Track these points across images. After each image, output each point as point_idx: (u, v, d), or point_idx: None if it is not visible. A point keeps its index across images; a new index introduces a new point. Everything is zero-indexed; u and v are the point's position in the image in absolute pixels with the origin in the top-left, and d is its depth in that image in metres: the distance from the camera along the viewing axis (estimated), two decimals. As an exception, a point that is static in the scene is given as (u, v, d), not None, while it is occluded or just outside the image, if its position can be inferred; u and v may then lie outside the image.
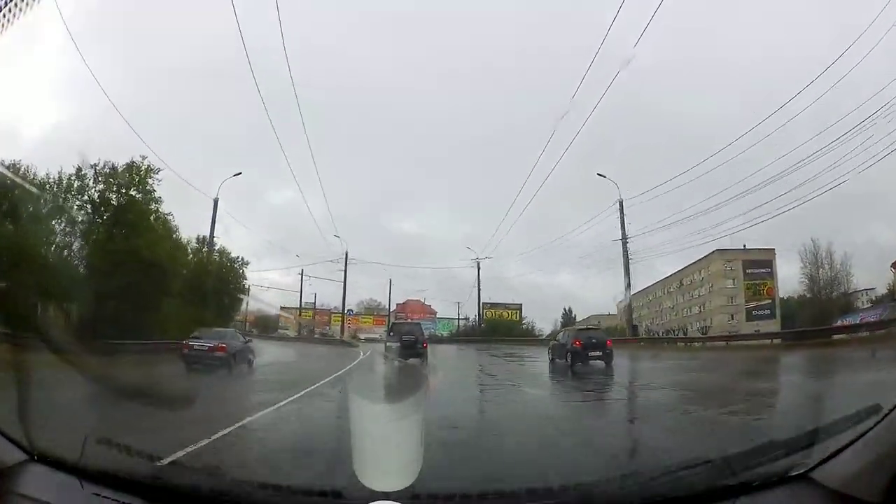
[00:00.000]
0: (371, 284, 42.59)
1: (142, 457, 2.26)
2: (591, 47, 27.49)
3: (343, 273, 34.58)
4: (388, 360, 17.13)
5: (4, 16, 2.46)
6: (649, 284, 39.84)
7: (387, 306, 41.10)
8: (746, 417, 6.09)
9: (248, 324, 39.63)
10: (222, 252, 26.83)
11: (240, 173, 23.66)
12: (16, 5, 2.54)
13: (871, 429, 1.48)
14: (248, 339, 14.61)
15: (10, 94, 23.13)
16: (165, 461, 2.90)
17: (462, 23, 51.57)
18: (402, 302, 42.06)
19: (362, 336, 38.82)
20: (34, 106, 32.90)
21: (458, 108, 54.62)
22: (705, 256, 33.83)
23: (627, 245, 26.18)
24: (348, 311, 38.06)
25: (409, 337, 17.01)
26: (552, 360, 15.58)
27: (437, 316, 43.60)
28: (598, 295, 60.62)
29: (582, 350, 13.81)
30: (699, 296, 37.81)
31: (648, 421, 6.58)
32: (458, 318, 41.80)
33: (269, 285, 44.86)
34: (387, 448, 2.23)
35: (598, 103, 17.94)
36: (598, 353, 13.80)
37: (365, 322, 41.76)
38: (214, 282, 22.04)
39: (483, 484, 3.04)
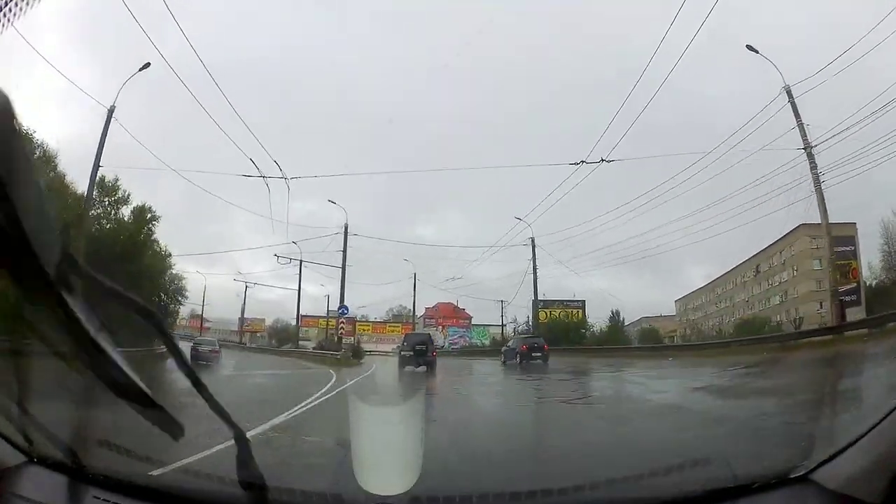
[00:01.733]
0: (398, 291, 41.21)
1: (141, 459, 2.46)
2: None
3: (342, 254, 26.83)
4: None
5: (5, 15, 2.85)
6: (715, 278, 37.93)
7: (417, 314, 38.72)
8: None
9: (241, 333, 38.80)
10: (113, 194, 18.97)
11: (148, 64, 18.64)
12: (16, 5, 2.93)
13: (871, 429, 1.57)
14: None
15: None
16: (168, 466, 3.10)
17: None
18: (431, 305, 40.30)
19: (367, 347, 31.88)
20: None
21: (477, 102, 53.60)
22: (788, 234, 31.90)
23: (814, 157, 18.66)
24: (342, 311, 27.75)
25: (420, 346, 20.25)
26: (504, 362, 22.14)
27: (473, 322, 41.37)
28: (639, 296, 55.73)
29: (527, 352, 20.81)
30: (780, 283, 35.74)
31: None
32: (502, 325, 37.72)
33: (255, 282, 36.31)
34: (386, 451, 2.40)
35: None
36: (539, 355, 20.64)
37: (392, 330, 38.94)
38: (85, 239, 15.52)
39: None
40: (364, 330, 39.03)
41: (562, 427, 7.52)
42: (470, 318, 40.98)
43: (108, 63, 40.67)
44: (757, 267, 37.13)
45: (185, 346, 21.93)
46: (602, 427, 7.25)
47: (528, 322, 34.75)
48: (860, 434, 1.60)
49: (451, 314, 40.31)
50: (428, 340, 21.15)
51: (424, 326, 37.50)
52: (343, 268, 26.94)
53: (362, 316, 39.72)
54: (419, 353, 19.46)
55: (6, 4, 3.40)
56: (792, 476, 1.73)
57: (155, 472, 2.65)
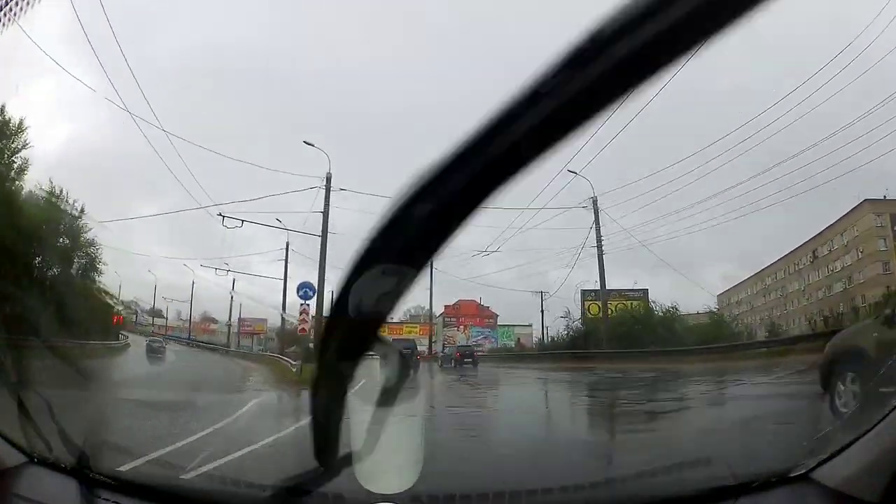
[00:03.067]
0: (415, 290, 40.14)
1: (142, 458, 2.67)
2: None
3: (323, 215, 20.57)
4: None
5: (5, 14, 3.10)
6: (762, 268, 36.75)
7: (435, 312, 37.21)
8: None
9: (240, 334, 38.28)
10: None
11: None
12: (16, 4, 3.19)
13: (871, 429, 1.68)
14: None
15: None
16: (165, 460, 3.36)
17: None
18: (452, 303, 38.39)
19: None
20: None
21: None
22: (852, 211, 30.69)
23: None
24: (303, 292, 20.42)
25: (405, 350, 23.27)
26: (441, 366, 28.63)
27: (499, 322, 40.08)
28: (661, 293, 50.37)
29: (461, 358, 27.31)
30: (842, 268, 34.45)
31: None
32: (542, 323, 34.55)
33: (230, 269, 29.50)
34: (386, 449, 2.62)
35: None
36: (470, 360, 27.13)
37: (410, 331, 35.94)
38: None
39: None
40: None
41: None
42: (496, 316, 39.63)
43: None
44: (814, 252, 35.91)
45: (143, 341, 28.77)
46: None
47: (581, 317, 31.10)
48: (860, 433, 1.69)
49: (474, 313, 38.80)
50: (412, 346, 26.54)
51: (444, 327, 37.28)
52: (324, 230, 20.52)
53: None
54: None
55: (6, 4, 3.70)
56: (792, 475, 1.84)
57: (156, 472, 2.90)
